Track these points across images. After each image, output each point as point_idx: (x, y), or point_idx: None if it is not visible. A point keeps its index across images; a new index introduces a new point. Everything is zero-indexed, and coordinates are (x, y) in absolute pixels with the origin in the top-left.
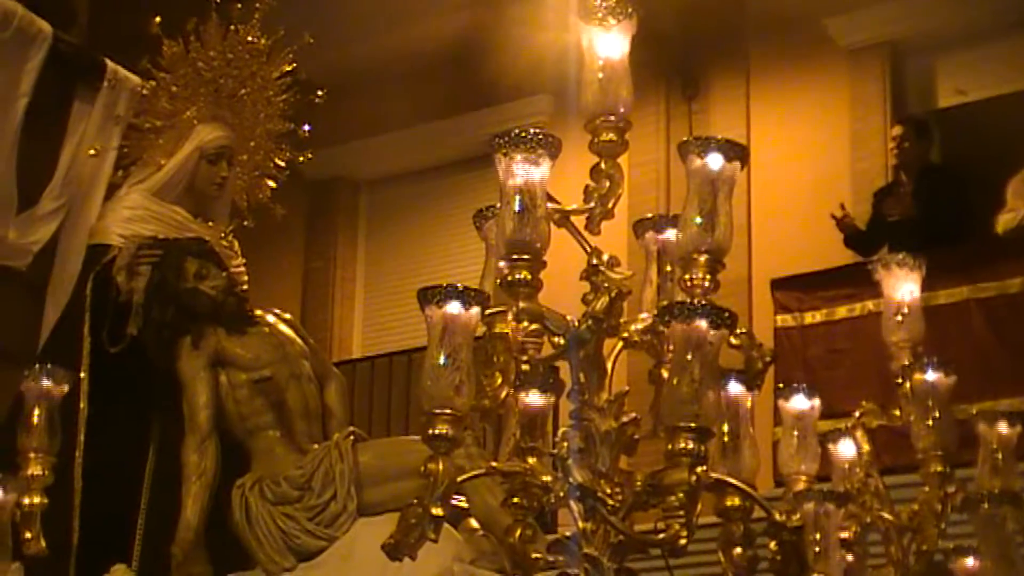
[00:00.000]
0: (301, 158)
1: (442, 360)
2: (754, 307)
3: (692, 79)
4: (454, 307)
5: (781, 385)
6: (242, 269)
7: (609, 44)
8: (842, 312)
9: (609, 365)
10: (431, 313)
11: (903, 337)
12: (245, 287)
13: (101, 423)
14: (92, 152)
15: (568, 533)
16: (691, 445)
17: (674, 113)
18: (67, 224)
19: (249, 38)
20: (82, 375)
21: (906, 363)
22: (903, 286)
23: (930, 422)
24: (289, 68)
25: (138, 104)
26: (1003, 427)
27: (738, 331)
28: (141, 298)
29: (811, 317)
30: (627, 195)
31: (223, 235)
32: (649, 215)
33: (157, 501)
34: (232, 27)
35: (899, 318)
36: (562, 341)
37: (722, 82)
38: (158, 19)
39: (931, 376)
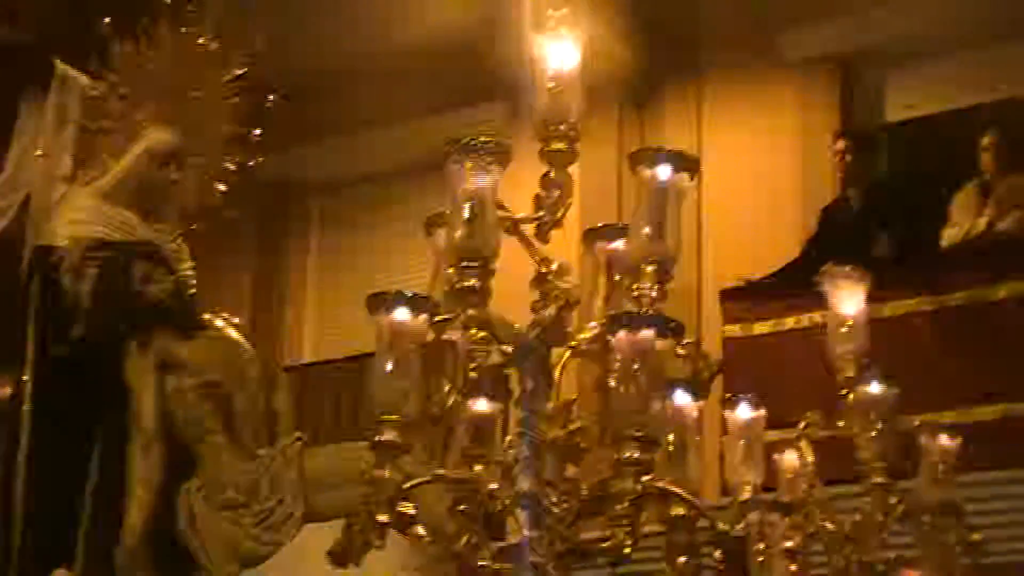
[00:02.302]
0: (252, 162)
1: (390, 367)
2: (703, 317)
3: (645, 89)
4: (402, 314)
5: (728, 395)
6: (191, 273)
7: (560, 54)
8: (790, 323)
9: (557, 374)
10: (380, 319)
11: (848, 349)
12: (194, 291)
13: (45, 426)
14: (39, 153)
15: (514, 541)
16: (637, 454)
17: (627, 122)
18: (13, 225)
19: (200, 40)
20: (25, 377)
21: (851, 375)
22: (849, 298)
23: (873, 433)
24: (241, 71)
25: (88, 105)
26: (944, 439)
27: (685, 341)
28: (87, 301)
29: (760, 327)
30: (580, 204)
31: (172, 238)
32: (600, 224)
33: (102, 505)
34: (183, 29)
35: (845, 330)
36: (510, 349)
37: (675, 92)
38: (108, 20)
39: (875, 388)
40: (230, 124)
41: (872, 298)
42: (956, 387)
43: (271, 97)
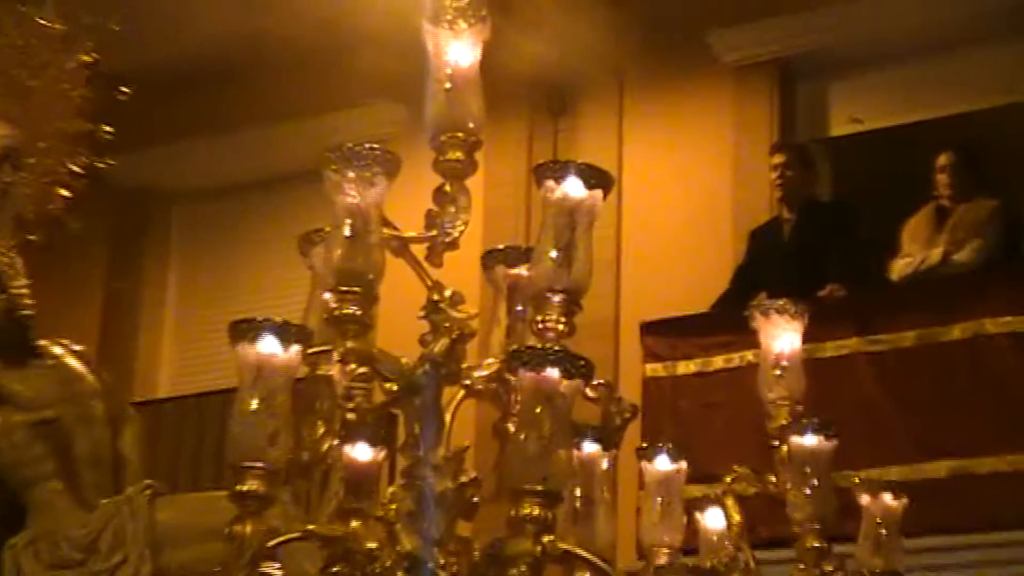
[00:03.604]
0: (102, 164)
1: (254, 405)
2: (620, 355)
3: (559, 93)
4: (270, 344)
5: (645, 444)
6: (26, 291)
7: (458, 51)
8: (718, 362)
9: (448, 416)
10: (244, 350)
11: (781, 394)
12: (29, 312)
13: None
14: None
15: None
16: (537, 511)
17: (538, 131)
18: None
19: (41, 20)
20: None
21: (784, 423)
22: (783, 336)
23: (808, 491)
24: (90, 59)
25: None
26: (888, 498)
27: (596, 381)
28: None
29: (684, 367)
30: (481, 223)
31: (4, 251)
32: (501, 246)
33: None
34: (20, 5)
35: (778, 372)
36: (395, 387)
37: (593, 98)
38: None
39: (810, 439)
40: (76, 119)
41: (809, 337)
42: (902, 440)
43: (124, 89)
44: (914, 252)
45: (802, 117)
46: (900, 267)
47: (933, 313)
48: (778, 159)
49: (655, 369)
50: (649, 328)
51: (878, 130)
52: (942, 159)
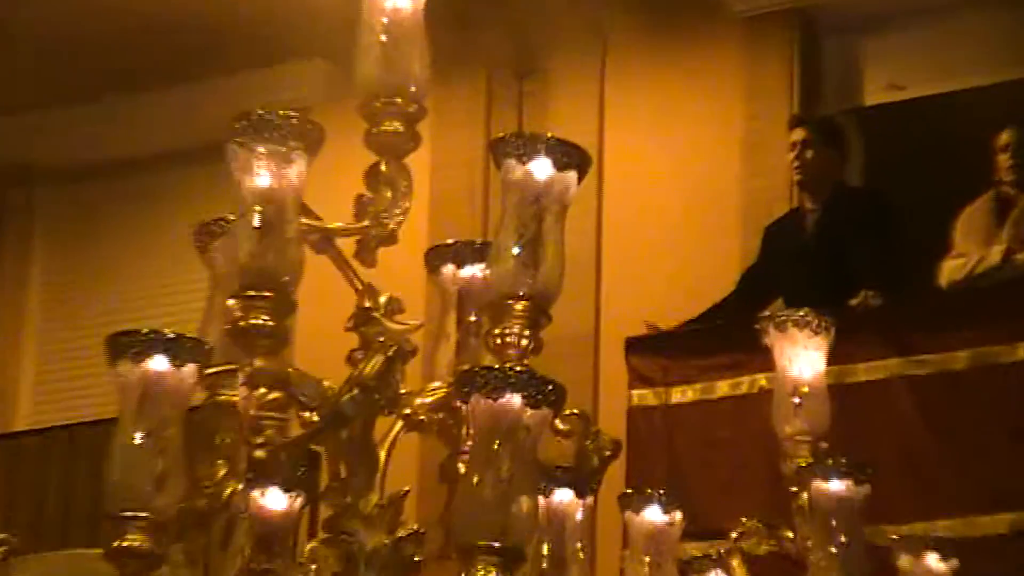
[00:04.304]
0: None
1: (139, 439)
2: (601, 377)
3: (526, 51)
4: (159, 363)
5: (630, 491)
6: None
7: None
8: (723, 388)
9: (383, 454)
10: (126, 370)
11: (801, 428)
12: None
13: None
14: None
15: None
16: (494, 572)
17: (499, 98)
18: None
19: None
20: None
21: (804, 464)
22: (803, 355)
23: (834, 549)
24: None
25: None
26: (932, 560)
27: (568, 411)
28: None
29: (680, 393)
30: (427, 211)
31: None
32: (450, 241)
33: None
34: None
35: (796, 400)
36: (316, 417)
37: (568, 57)
38: None
39: (837, 484)
40: None
41: (837, 356)
42: (952, 486)
43: None
44: (968, 251)
45: (829, 82)
46: (950, 270)
47: (991, 328)
48: (797, 135)
49: (643, 396)
50: (636, 345)
51: (923, 99)
52: (1004, 136)
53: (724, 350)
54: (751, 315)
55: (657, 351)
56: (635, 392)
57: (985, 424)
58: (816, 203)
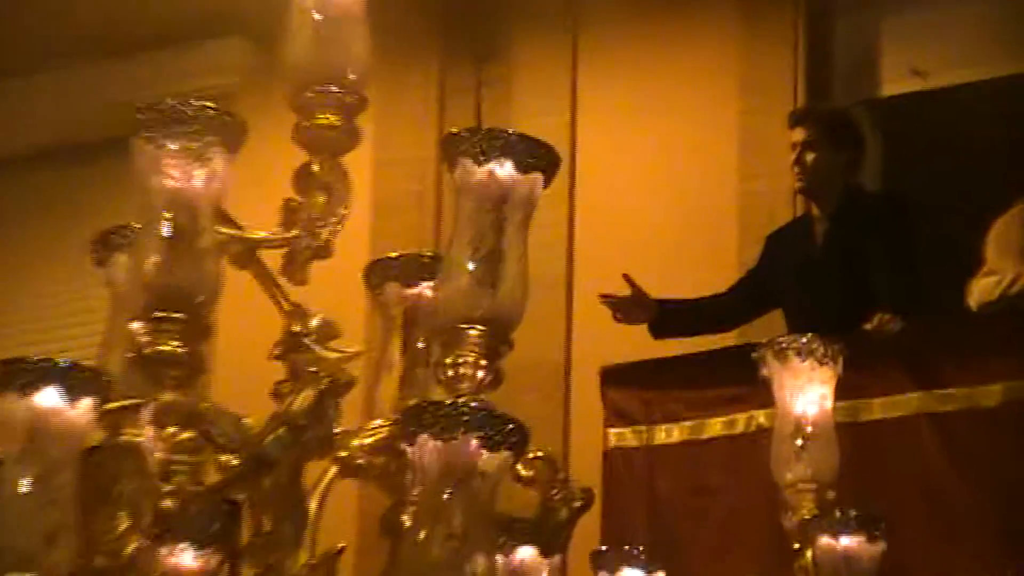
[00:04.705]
0: None
1: (25, 486)
2: (572, 413)
3: (486, 31)
4: (50, 396)
5: (604, 548)
6: None
7: None
8: (715, 427)
9: (314, 504)
10: (10, 406)
11: (804, 474)
12: None
13: None
14: None
15: None
16: None
17: (453, 86)
18: None
19: None
20: None
21: (808, 516)
22: (808, 389)
23: None
24: None
25: None
26: None
27: (533, 454)
28: None
29: (665, 433)
30: (368, 219)
31: None
32: (395, 254)
33: None
34: None
35: (800, 442)
36: (236, 461)
37: (535, 39)
38: None
39: (847, 540)
40: None
41: (848, 390)
42: (984, 541)
43: None
44: (1002, 268)
45: (839, 70)
46: (981, 290)
47: None
48: (797, 135)
49: (622, 435)
50: (614, 376)
51: (950, 88)
52: None
53: (716, 382)
54: (748, 340)
55: (638, 383)
56: (612, 431)
57: (1020, 468)
58: (825, 211)
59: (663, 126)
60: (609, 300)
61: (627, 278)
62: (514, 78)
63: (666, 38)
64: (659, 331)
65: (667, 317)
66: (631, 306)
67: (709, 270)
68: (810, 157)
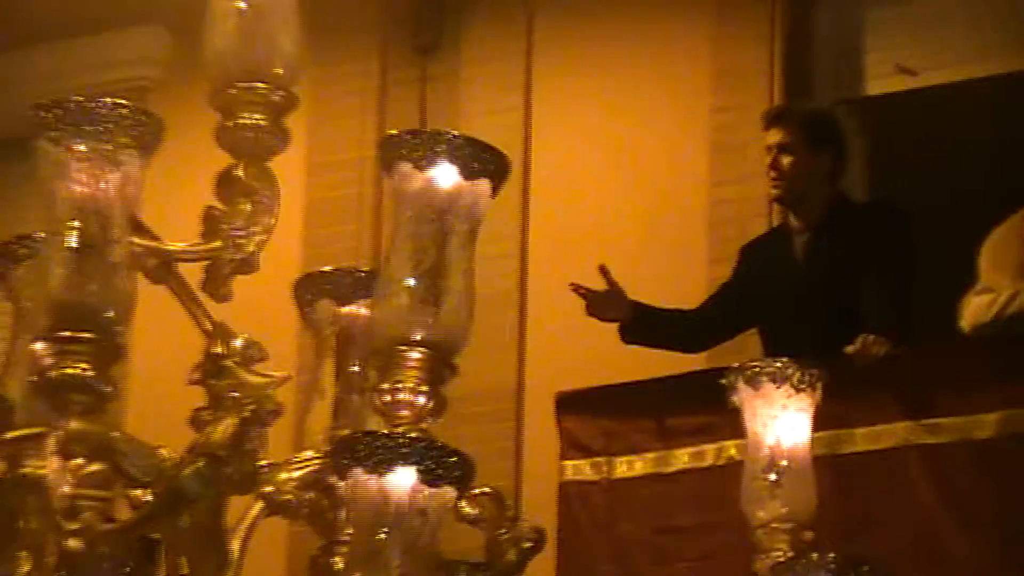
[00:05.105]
0: None
1: None
2: (525, 445)
3: (431, 19)
4: None
5: None
6: None
7: None
8: (682, 459)
9: (236, 545)
10: None
11: (779, 512)
12: None
13: None
14: None
15: None
16: None
17: (395, 80)
18: None
19: None
20: None
21: (782, 560)
22: (782, 418)
23: None
24: None
25: None
26: None
27: (478, 490)
28: None
29: (627, 465)
30: (300, 229)
31: None
32: (328, 268)
33: None
34: None
35: (773, 477)
36: (151, 496)
37: (485, 27)
38: None
39: None
40: None
41: (829, 420)
42: None
43: None
44: (997, 285)
45: (820, 66)
46: (975, 309)
47: None
48: (775, 135)
49: (579, 468)
50: (571, 402)
51: (941, 87)
52: None
53: (683, 410)
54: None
55: (597, 410)
56: (568, 463)
57: (1018, 504)
58: (805, 221)
59: (627, 125)
60: (581, 291)
61: (603, 270)
62: (462, 72)
63: (631, 28)
64: (630, 334)
65: (641, 320)
66: (604, 301)
67: (676, 286)
68: (787, 161)
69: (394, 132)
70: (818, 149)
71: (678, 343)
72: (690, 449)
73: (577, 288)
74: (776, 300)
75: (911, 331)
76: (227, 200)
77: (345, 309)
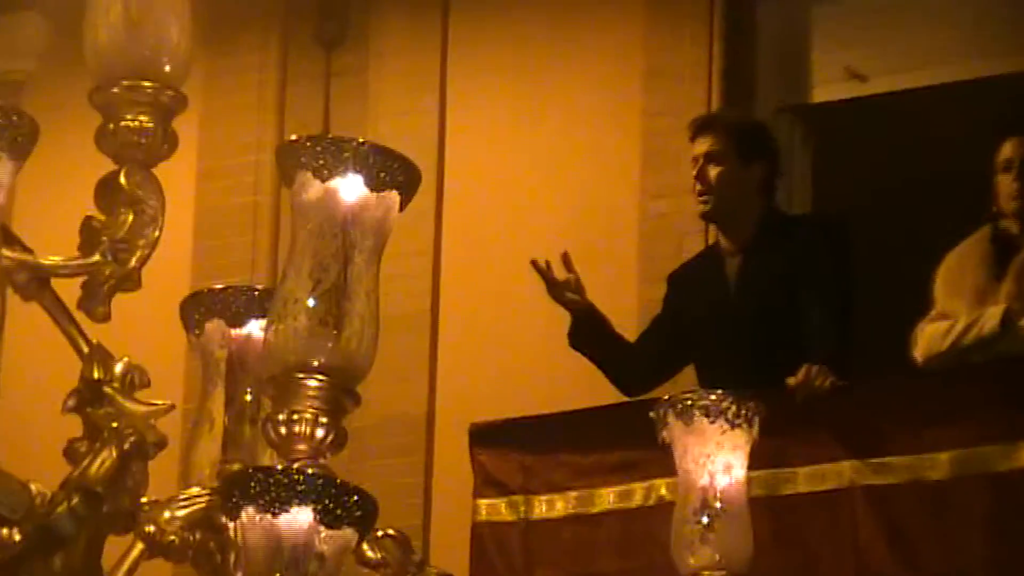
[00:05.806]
0: None
1: None
2: (434, 481)
3: (337, 10)
4: None
5: None
6: None
7: None
8: (607, 498)
9: None
10: None
11: (710, 559)
12: None
13: None
14: None
15: None
16: None
17: (297, 75)
18: None
19: None
20: None
21: None
22: (716, 457)
23: None
24: None
25: None
26: None
27: (381, 531)
28: None
29: (546, 505)
30: (190, 242)
31: None
32: (219, 286)
33: None
34: None
35: (705, 520)
36: (19, 535)
37: (396, 19)
38: None
39: None
40: None
41: (768, 458)
42: None
43: None
44: (953, 312)
45: (763, 69)
46: (929, 337)
47: (985, 421)
48: (702, 145)
49: (494, 507)
50: (486, 434)
51: (893, 95)
52: (1005, 149)
53: (609, 445)
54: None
55: (515, 444)
56: (482, 502)
57: (975, 552)
58: (736, 241)
59: (552, 131)
60: (541, 269)
61: (566, 259)
62: (371, 68)
63: (556, 23)
64: (579, 336)
65: (593, 325)
66: (566, 285)
67: (604, 308)
68: (715, 172)
69: (294, 138)
70: (747, 158)
71: (615, 374)
72: (616, 488)
73: (537, 265)
74: (709, 329)
75: (857, 360)
76: (108, 210)
77: (238, 331)
